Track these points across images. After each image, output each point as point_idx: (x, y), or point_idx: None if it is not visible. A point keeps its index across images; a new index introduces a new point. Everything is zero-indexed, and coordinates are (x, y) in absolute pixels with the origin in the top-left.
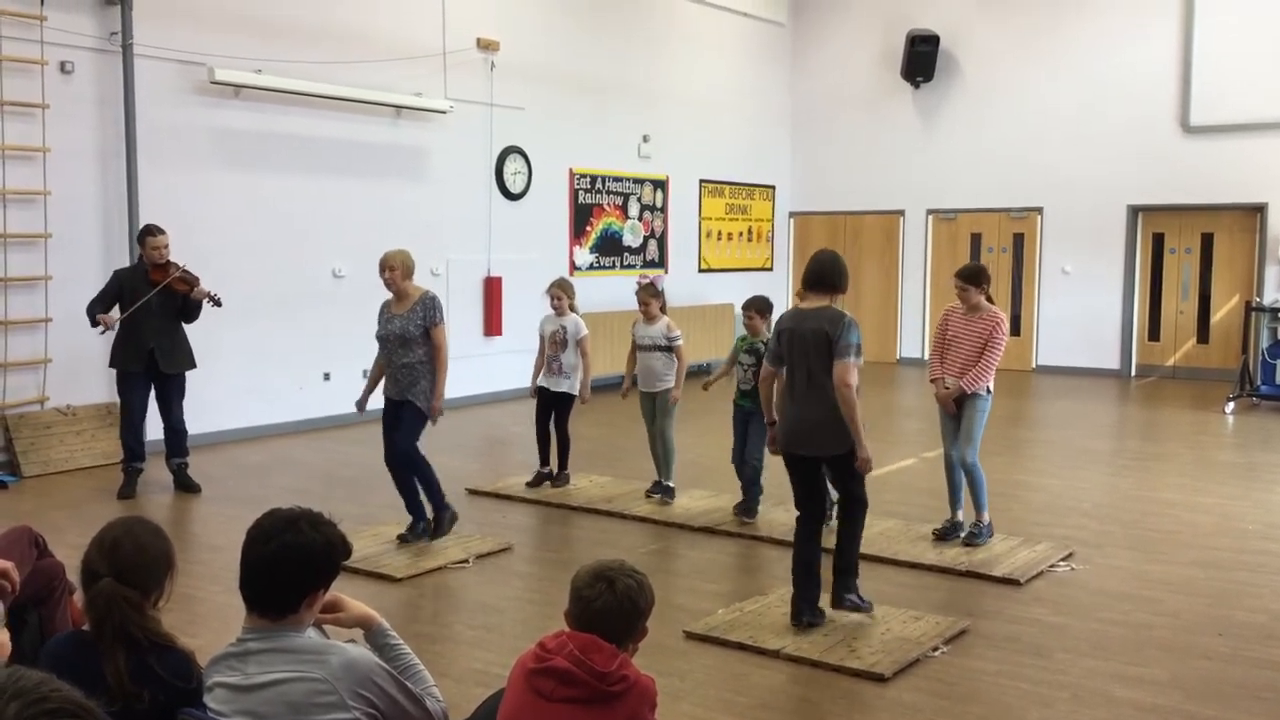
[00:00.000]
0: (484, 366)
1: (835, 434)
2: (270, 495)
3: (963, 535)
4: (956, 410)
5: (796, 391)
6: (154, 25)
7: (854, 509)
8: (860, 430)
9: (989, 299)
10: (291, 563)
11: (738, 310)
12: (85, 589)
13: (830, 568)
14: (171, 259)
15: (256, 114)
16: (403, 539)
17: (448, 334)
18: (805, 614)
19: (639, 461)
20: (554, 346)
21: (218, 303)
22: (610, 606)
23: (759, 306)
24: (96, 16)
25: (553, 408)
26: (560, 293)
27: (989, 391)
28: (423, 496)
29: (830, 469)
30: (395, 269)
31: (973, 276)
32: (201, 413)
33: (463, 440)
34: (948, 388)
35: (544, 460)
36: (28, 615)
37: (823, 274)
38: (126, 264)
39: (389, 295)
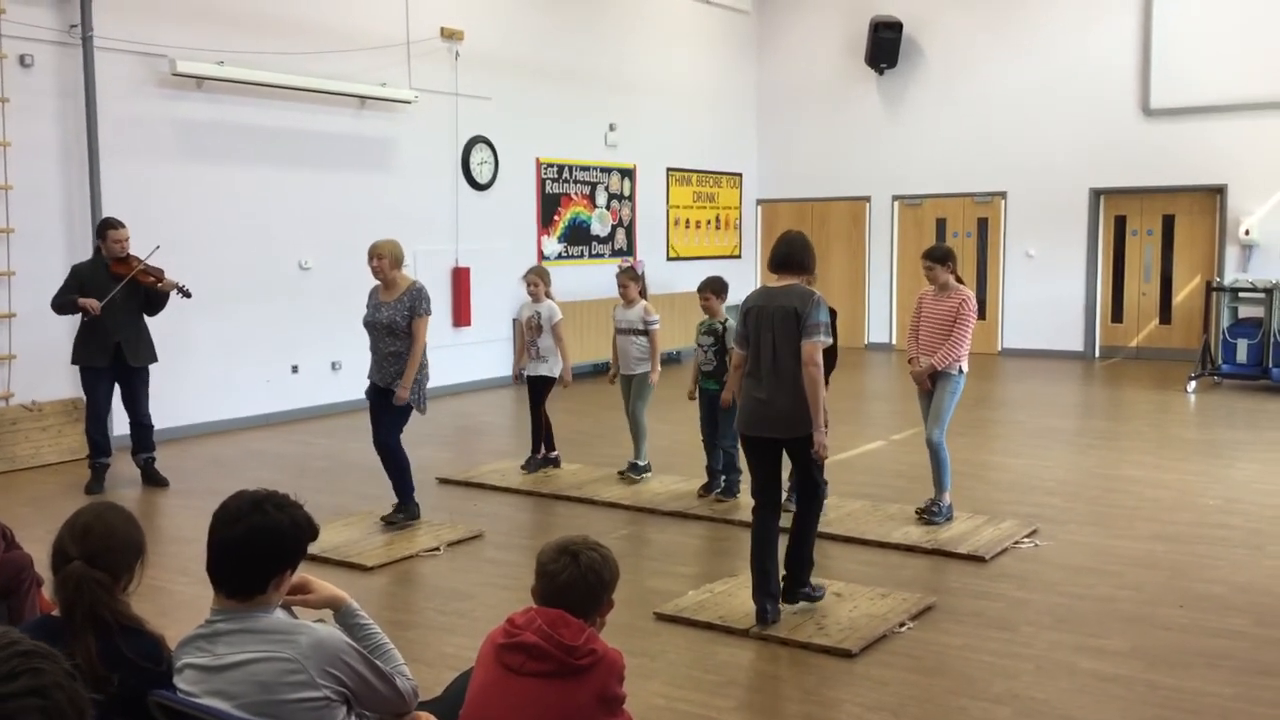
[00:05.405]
0: (454, 357)
1: (798, 416)
2: (241, 488)
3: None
4: (932, 388)
5: (761, 371)
6: (114, 17)
7: (811, 498)
8: (821, 414)
9: (958, 279)
10: (258, 544)
11: None
12: (55, 571)
13: (785, 560)
14: (132, 252)
15: (219, 106)
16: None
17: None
18: (770, 614)
19: (610, 448)
20: (531, 332)
21: (187, 294)
22: (575, 579)
23: (714, 288)
24: (55, 9)
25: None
26: (536, 279)
27: (961, 371)
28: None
29: (791, 453)
30: (383, 258)
31: (939, 256)
32: (169, 407)
33: (434, 430)
34: (921, 367)
35: (536, 446)
36: None
37: (791, 254)
38: (90, 258)
39: (374, 283)
